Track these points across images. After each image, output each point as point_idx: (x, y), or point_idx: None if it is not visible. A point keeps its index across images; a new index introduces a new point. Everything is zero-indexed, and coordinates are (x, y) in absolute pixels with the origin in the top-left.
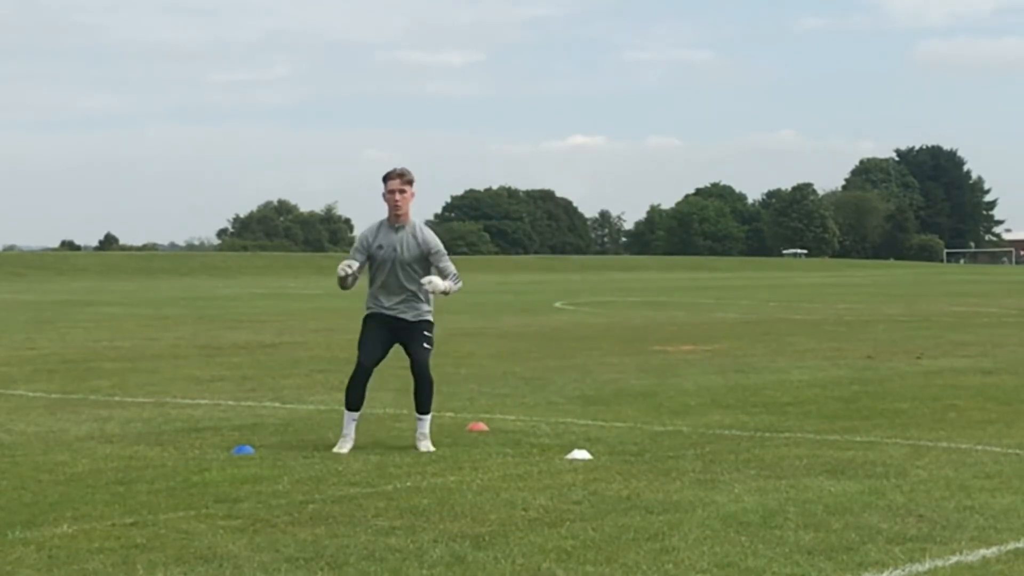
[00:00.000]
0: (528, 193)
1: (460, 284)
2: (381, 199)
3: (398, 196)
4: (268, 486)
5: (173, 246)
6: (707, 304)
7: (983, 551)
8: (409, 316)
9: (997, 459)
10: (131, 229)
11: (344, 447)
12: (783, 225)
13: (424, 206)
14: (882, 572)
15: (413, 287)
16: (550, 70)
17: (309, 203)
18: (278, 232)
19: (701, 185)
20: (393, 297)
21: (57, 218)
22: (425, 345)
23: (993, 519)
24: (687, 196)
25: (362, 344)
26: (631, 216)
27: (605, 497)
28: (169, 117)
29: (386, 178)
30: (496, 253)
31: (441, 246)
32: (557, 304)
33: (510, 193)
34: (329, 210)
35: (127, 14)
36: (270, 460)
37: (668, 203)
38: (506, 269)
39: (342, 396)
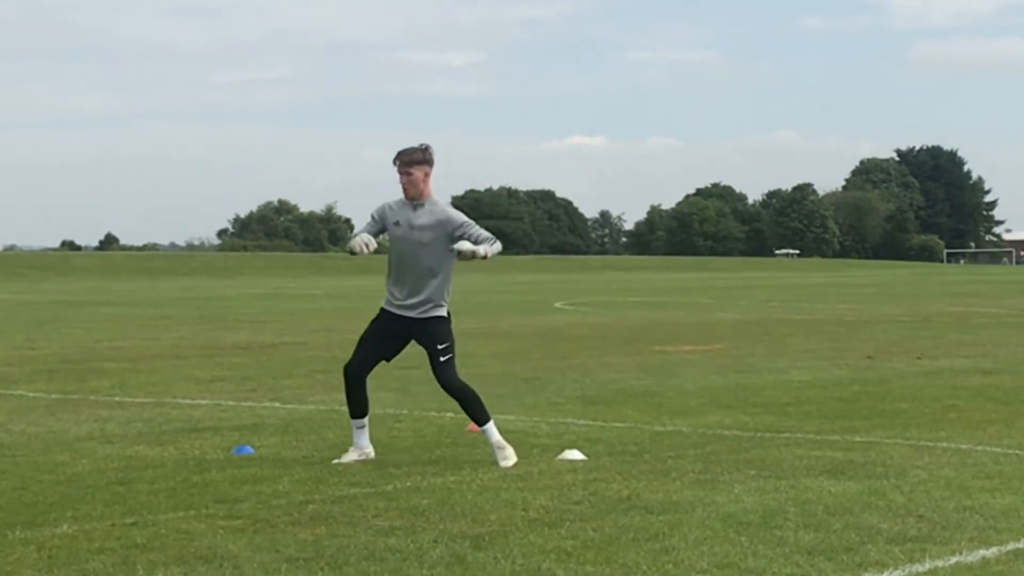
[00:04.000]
0: (528, 193)
1: (498, 246)
2: (382, 197)
3: (404, 180)
4: (268, 486)
5: (173, 246)
6: (707, 304)
7: (983, 551)
8: (415, 313)
9: (997, 459)
10: (131, 229)
11: (347, 457)
12: (783, 225)
13: None
14: (882, 572)
15: (431, 278)
16: (550, 70)
17: (309, 203)
18: (278, 232)
19: (701, 185)
20: (406, 288)
21: (57, 218)
22: (440, 358)
23: (993, 519)
24: (687, 196)
25: (358, 346)
26: (631, 216)
27: (605, 497)
28: (169, 117)
29: (393, 160)
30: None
31: (466, 218)
32: (557, 304)
33: (510, 193)
34: (329, 210)
35: (127, 14)
36: (270, 460)
37: (668, 203)
38: (506, 269)
39: (342, 396)
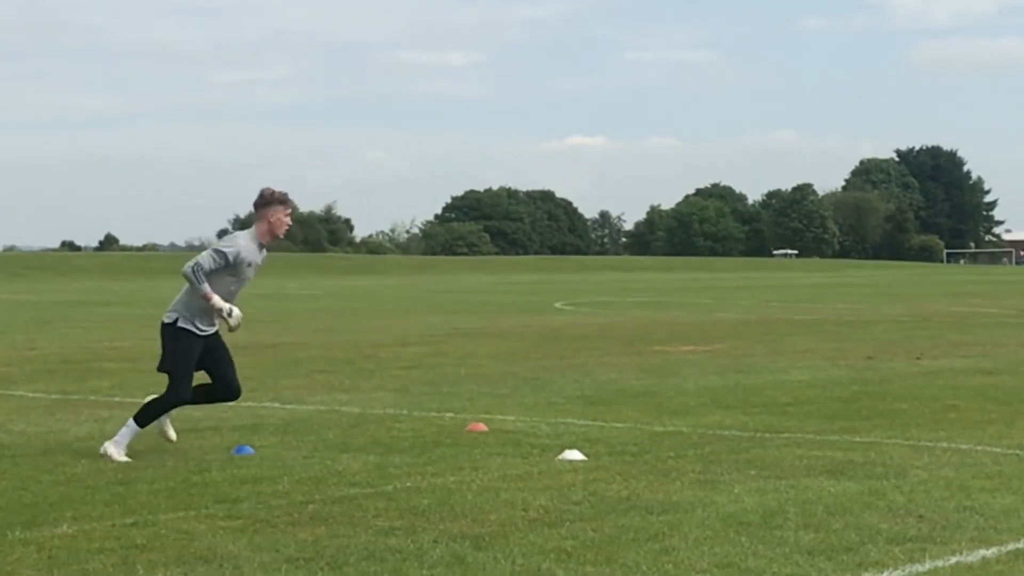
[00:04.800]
0: (528, 193)
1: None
2: (382, 197)
3: (286, 222)
4: (268, 486)
5: (173, 246)
6: (707, 304)
7: (983, 551)
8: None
9: (997, 459)
10: (131, 229)
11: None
12: (783, 225)
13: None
14: (882, 572)
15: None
16: (550, 70)
17: (309, 203)
18: None
19: (701, 185)
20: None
21: (57, 218)
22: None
23: (993, 519)
24: (687, 196)
25: (189, 377)
26: (631, 216)
27: (605, 497)
28: (169, 117)
29: (284, 201)
30: (496, 253)
31: None
32: (557, 304)
33: (510, 193)
34: (329, 210)
35: (127, 14)
36: (270, 460)
37: (668, 203)
38: (506, 269)
39: (342, 396)
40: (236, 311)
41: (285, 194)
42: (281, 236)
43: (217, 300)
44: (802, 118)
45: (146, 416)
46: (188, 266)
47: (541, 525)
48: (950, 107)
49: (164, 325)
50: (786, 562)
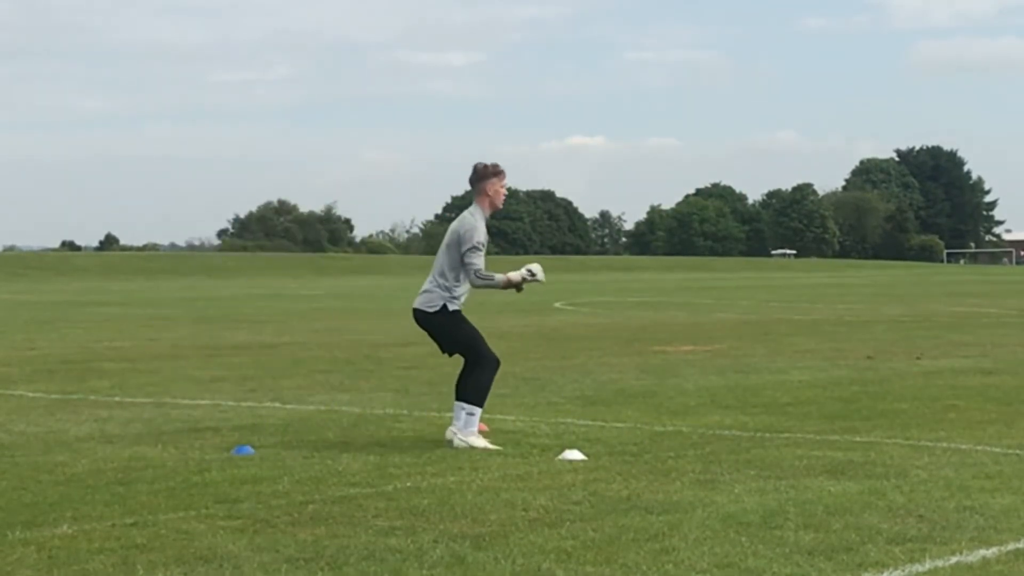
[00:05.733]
0: (528, 193)
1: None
2: (382, 197)
3: (502, 192)
4: (268, 486)
5: (173, 246)
6: (707, 304)
7: (983, 551)
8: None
9: (997, 459)
10: (131, 229)
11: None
12: (783, 225)
13: (424, 206)
14: (882, 572)
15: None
16: (550, 70)
17: (309, 203)
18: (278, 232)
19: (701, 185)
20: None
21: (57, 218)
22: None
23: (993, 519)
24: (687, 196)
25: (483, 339)
26: (631, 216)
27: (605, 497)
28: (169, 117)
29: (498, 172)
30: (496, 253)
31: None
32: (557, 304)
33: (510, 193)
34: (329, 210)
35: (127, 14)
36: (270, 460)
37: (668, 203)
38: (506, 269)
39: (342, 396)
40: (534, 267)
41: (497, 165)
42: (500, 207)
43: (514, 275)
44: (802, 118)
45: (479, 393)
46: (472, 279)
47: (541, 525)
48: (950, 107)
49: (432, 314)
50: (786, 562)
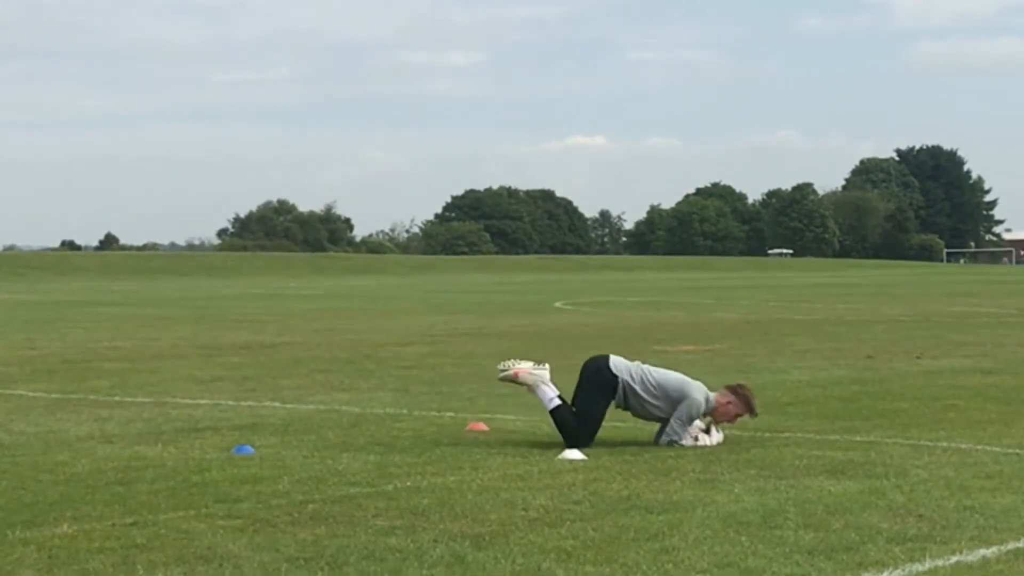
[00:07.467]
0: (528, 193)
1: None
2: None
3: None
4: (268, 486)
5: (173, 246)
6: (707, 304)
7: (983, 551)
8: None
9: (997, 459)
10: (131, 229)
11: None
12: (783, 225)
13: (424, 206)
14: (882, 572)
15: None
16: (550, 70)
17: (309, 203)
18: (278, 232)
19: (701, 185)
20: None
21: (57, 218)
22: None
23: (993, 519)
24: (687, 196)
25: (599, 426)
26: (631, 216)
27: (605, 497)
28: (169, 117)
29: (752, 410)
30: (496, 253)
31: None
32: (557, 304)
33: (510, 193)
34: (329, 210)
35: (127, 14)
36: (270, 460)
37: (668, 203)
38: (506, 269)
39: (342, 396)
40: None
41: (755, 402)
42: (719, 421)
43: (703, 437)
44: (802, 118)
45: (565, 429)
46: (672, 425)
47: (541, 525)
48: (950, 107)
49: (610, 371)
50: (786, 562)
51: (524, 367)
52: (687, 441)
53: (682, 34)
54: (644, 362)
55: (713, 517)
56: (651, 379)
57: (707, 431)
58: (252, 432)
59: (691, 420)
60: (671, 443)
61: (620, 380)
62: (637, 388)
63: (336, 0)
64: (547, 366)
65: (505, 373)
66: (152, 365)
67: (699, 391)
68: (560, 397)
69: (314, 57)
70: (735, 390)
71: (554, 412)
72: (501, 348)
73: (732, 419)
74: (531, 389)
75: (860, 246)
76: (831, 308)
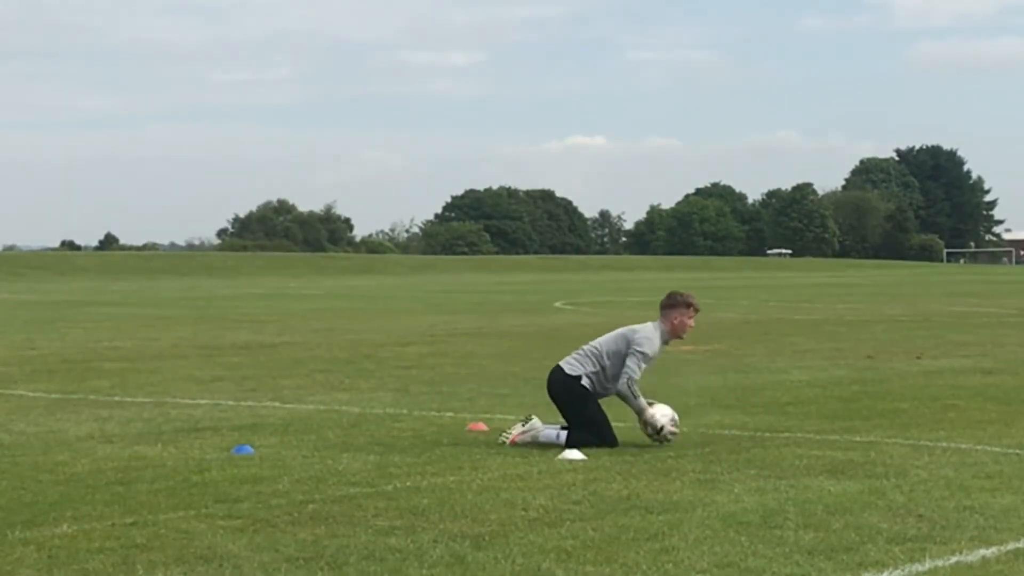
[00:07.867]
0: (528, 193)
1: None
2: (382, 197)
3: (692, 324)
4: (268, 486)
5: (173, 246)
6: (707, 304)
7: (983, 551)
8: None
9: (997, 459)
10: (131, 229)
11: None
12: (783, 225)
13: (424, 206)
14: (882, 572)
15: None
16: (550, 70)
17: (309, 203)
18: (278, 232)
19: (701, 185)
20: None
21: (57, 218)
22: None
23: (993, 519)
24: (687, 196)
25: (608, 424)
26: (631, 216)
27: (605, 497)
28: (169, 117)
29: (690, 305)
30: (496, 253)
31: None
32: (557, 304)
33: (510, 193)
34: (328, 210)
35: (127, 14)
36: (270, 460)
37: (668, 203)
38: (506, 269)
39: (342, 396)
40: (673, 432)
41: (691, 297)
42: (681, 337)
43: (657, 416)
44: (802, 118)
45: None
46: (622, 382)
47: (541, 525)
48: (950, 107)
49: (571, 377)
50: (786, 562)
51: (515, 432)
52: (643, 403)
53: (682, 34)
54: (583, 344)
55: (713, 517)
56: (596, 350)
57: (650, 404)
58: (252, 432)
59: (645, 357)
60: (629, 380)
61: (583, 375)
62: (598, 367)
63: (336, 0)
64: (534, 417)
65: (506, 443)
66: (152, 365)
67: (641, 326)
68: (563, 427)
69: (314, 57)
70: (669, 304)
71: (569, 442)
72: (501, 348)
73: (687, 329)
74: (535, 440)
75: (860, 246)
76: (831, 308)
